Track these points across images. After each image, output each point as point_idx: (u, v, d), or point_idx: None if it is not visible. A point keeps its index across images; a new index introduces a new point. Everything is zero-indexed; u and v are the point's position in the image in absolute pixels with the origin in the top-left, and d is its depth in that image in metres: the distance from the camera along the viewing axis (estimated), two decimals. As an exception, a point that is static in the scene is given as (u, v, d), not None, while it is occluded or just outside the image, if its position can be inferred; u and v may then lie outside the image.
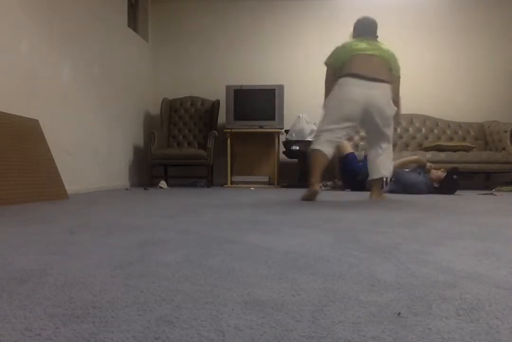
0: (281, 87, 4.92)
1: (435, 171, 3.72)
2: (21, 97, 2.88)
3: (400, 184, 3.79)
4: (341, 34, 5.44)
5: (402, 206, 2.51)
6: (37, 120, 2.88)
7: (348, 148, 4.25)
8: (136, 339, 0.51)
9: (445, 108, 5.28)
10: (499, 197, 3.41)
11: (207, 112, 5.28)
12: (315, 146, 2.79)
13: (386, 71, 2.86)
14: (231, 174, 5.00)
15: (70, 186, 3.12)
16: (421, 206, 2.55)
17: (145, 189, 4.29)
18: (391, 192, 3.83)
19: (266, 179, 5.06)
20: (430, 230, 1.48)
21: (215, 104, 5.22)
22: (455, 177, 3.58)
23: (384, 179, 4.28)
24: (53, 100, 3.26)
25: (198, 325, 0.56)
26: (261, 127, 4.91)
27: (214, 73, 5.47)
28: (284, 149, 4.82)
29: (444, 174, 3.64)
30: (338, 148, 4.30)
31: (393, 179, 3.85)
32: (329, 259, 0.97)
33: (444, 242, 1.22)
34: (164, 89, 5.51)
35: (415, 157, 4.05)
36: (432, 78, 5.34)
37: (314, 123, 4.81)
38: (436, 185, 3.65)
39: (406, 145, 5.11)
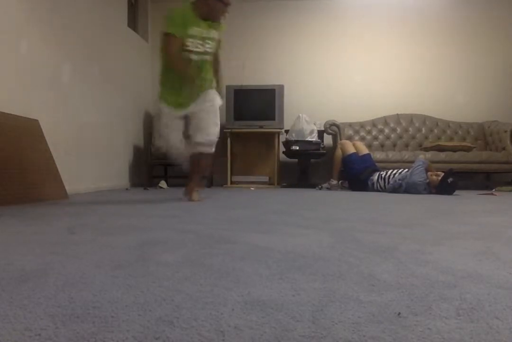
0: (281, 87, 4.92)
1: (430, 174, 3.71)
2: (21, 97, 2.87)
3: (402, 184, 3.78)
4: (341, 34, 5.45)
5: (403, 206, 2.52)
6: (37, 120, 2.88)
7: (351, 148, 4.24)
8: (136, 339, 0.51)
9: (445, 108, 5.27)
10: (499, 197, 3.41)
11: (207, 112, 5.27)
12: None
13: None
14: (231, 174, 5.00)
15: (70, 186, 3.12)
16: (421, 206, 2.55)
17: (145, 188, 4.28)
18: (393, 191, 3.83)
19: (266, 179, 5.05)
20: (430, 230, 1.48)
21: (215, 104, 5.21)
22: (449, 180, 3.57)
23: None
24: (53, 100, 3.26)
25: (198, 325, 0.56)
26: (261, 127, 4.90)
27: (214, 73, 5.46)
28: (284, 149, 4.82)
29: (439, 178, 3.62)
30: (341, 148, 4.30)
31: (398, 180, 3.83)
32: (329, 259, 0.97)
33: (444, 242, 1.22)
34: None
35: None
36: (432, 78, 5.34)
37: (314, 123, 4.81)
38: (433, 191, 3.64)
39: (406, 145, 5.11)
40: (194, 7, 2.62)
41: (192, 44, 2.63)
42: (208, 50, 2.72)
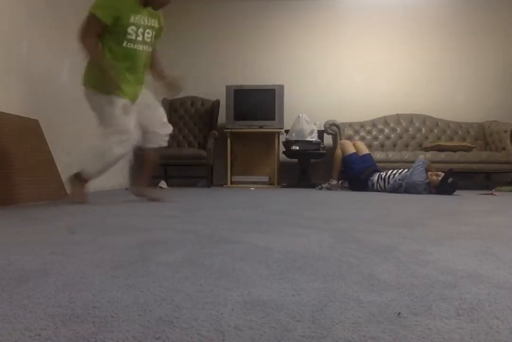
0: (281, 87, 4.92)
1: (430, 175, 3.70)
2: (21, 97, 2.87)
3: (402, 184, 3.78)
4: (341, 34, 5.45)
5: (403, 206, 2.52)
6: (37, 120, 2.88)
7: (351, 148, 4.24)
8: (136, 339, 0.51)
9: (445, 108, 5.27)
10: (499, 197, 3.41)
11: (207, 112, 5.27)
12: None
13: None
14: (231, 174, 5.00)
15: (70, 186, 3.12)
16: (421, 206, 2.55)
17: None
18: (393, 191, 3.82)
19: (266, 179, 5.05)
20: (430, 230, 1.48)
21: (215, 104, 5.22)
22: (450, 181, 3.57)
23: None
24: (53, 100, 3.26)
25: (198, 325, 0.56)
26: (261, 127, 4.90)
27: (214, 73, 5.47)
28: (284, 149, 4.82)
29: (439, 178, 3.62)
30: (341, 148, 4.30)
31: (398, 180, 3.82)
32: (329, 259, 0.97)
33: (444, 242, 1.22)
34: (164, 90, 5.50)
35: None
36: (432, 78, 5.34)
37: (314, 123, 4.81)
38: (433, 191, 3.64)
39: (406, 145, 5.11)
40: None
41: (134, 33, 2.41)
42: (148, 40, 2.52)
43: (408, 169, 3.84)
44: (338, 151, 4.30)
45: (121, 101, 2.42)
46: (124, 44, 2.41)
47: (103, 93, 2.42)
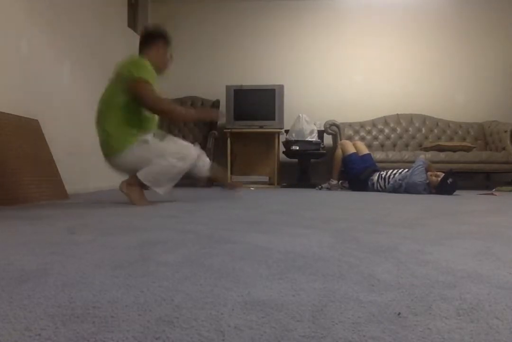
0: (281, 87, 4.92)
1: (430, 175, 3.71)
2: (21, 97, 2.87)
3: (402, 184, 3.78)
4: (341, 34, 5.45)
5: (403, 206, 2.51)
6: (37, 120, 2.88)
7: (351, 148, 4.24)
8: (136, 339, 0.51)
9: (445, 108, 5.27)
10: (499, 197, 3.41)
11: (207, 112, 5.27)
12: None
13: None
14: (231, 174, 5.00)
15: (70, 186, 3.12)
16: (421, 206, 2.55)
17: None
18: (393, 191, 3.83)
19: (266, 179, 5.05)
20: (430, 230, 1.48)
21: (215, 104, 5.22)
22: (449, 181, 3.57)
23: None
24: (53, 100, 3.26)
25: (198, 325, 0.56)
26: (261, 127, 4.90)
27: (214, 73, 5.47)
28: (284, 149, 4.82)
29: (439, 179, 3.62)
30: (342, 148, 4.30)
31: (399, 180, 3.83)
32: (329, 259, 0.97)
33: (444, 242, 1.22)
34: (164, 89, 5.50)
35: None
36: (432, 78, 5.34)
37: (314, 123, 4.81)
38: (433, 191, 3.64)
39: (406, 145, 5.11)
40: (149, 59, 2.51)
41: None
42: None
43: (408, 170, 3.84)
44: (339, 152, 4.30)
45: (150, 137, 2.55)
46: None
47: (137, 141, 2.50)
